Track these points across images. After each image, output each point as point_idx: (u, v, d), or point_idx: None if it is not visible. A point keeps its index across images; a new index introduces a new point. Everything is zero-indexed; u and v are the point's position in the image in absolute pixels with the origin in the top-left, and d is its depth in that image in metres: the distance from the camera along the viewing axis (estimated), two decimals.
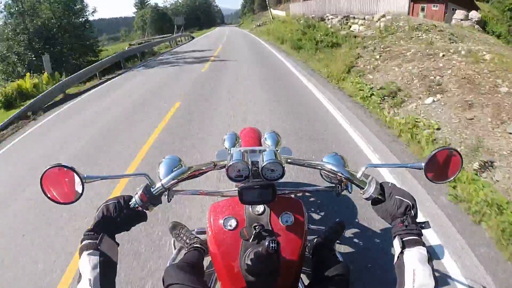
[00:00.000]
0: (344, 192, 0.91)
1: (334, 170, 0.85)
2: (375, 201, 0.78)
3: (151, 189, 0.79)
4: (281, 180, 0.84)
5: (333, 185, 0.92)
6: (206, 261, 1.15)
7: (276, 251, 0.65)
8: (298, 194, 1.28)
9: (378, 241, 2.06)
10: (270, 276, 0.73)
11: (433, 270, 0.62)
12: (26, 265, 2.16)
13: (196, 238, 1.29)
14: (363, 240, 2.06)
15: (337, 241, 1.26)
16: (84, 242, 0.68)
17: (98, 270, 0.64)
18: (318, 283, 0.89)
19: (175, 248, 1.33)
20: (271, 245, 0.64)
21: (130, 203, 0.77)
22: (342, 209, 2.33)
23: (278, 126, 4.05)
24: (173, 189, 0.89)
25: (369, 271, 1.83)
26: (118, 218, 0.74)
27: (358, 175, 0.81)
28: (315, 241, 1.19)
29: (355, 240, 2.07)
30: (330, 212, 2.30)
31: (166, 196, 0.88)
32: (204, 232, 1.26)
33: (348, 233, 2.08)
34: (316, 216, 2.26)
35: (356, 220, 2.22)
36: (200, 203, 2.45)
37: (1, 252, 2.35)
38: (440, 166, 0.80)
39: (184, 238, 1.30)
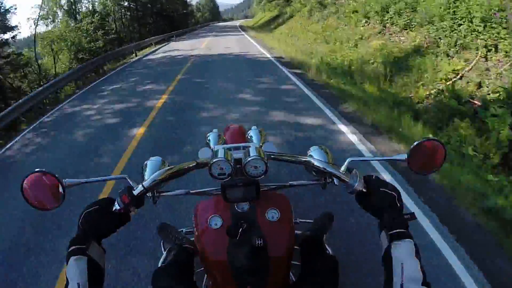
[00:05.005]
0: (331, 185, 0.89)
1: (317, 165, 0.84)
2: (359, 195, 0.77)
3: (133, 191, 0.78)
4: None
5: (318, 178, 0.92)
6: (196, 260, 1.13)
7: (263, 247, 0.66)
8: (283, 189, 1.25)
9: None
10: (259, 272, 0.73)
11: (421, 263, 0.62)
12: None
13: (185, 238, 1.28)
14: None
15: (326, 233, 1.21)
16: (71, 248, 0.67)
17: (86, 275, 0.63)
18: (307, 276, 0.89)
19: (164, 250, 1.33)
20: (257, 241, 0.65)
21: (112, 206, 0.76)
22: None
23: None
24: (159, 190, 0.89)
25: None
26: (102, 223, 0.74)
27: (342, 169, 0.81)
28: (304, 234, 1.19)
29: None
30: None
31: (151, 199, 0.87)
32: (193, 232, 1.31)
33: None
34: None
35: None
36: None
37: None
38: (424, 157, 0.79)
39: (173, 239, 1.29)
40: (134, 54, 13.57)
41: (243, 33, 21.67)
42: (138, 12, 27.97)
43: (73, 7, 21.45)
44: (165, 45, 17.39)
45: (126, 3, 27.02)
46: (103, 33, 18.45)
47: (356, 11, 10.34)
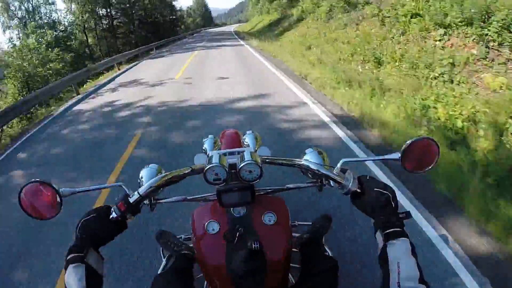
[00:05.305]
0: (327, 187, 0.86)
1: (311, 168, 0.84)
2: (354, 195, 0.77)
3: (129, 198, 0.78)
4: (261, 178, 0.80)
5: (314, 180, 0.92)
6: (196, 266, 1.04)
7: (260, 251, 0.70)
8: (279, 192, 1.10)
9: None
10: (257, 275, 0.74)
11: (418, 261, 0.62)
12: None
13: (183, 245, 1.26)
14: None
15: (325, 235, 1.18)
16: (69, 256, 0.68)
17: (84, 283, 0.64)
18: (307, 278, 0.89)
19: (164, 257, 1.29)
20: (253, 245, 0.69)
21: (109, 214, 0.77)
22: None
23: None
24: (156, 197, 0.91)
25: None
26: (99, 231, 0.75)
27: (335, 170, 0.81)
28: (303, 237, 1.17)
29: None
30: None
31: (149, 206, 0.89)
32: (191, 238, 1.22)
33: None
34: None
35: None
36: None
37: None
38: (417, 156, 0.79)
39: (172, 245, 1.27)
40: (75, 92, 8.72)
41: (242, 42, 17.24)
42: (114, 20, 23.97)
43: (29, 17, 17.46)
44: (135, 65, 12.90)
45: (101, 11, 23.06)
46: (60, 50, 14.50)
47: (419, 15, 6.43)
